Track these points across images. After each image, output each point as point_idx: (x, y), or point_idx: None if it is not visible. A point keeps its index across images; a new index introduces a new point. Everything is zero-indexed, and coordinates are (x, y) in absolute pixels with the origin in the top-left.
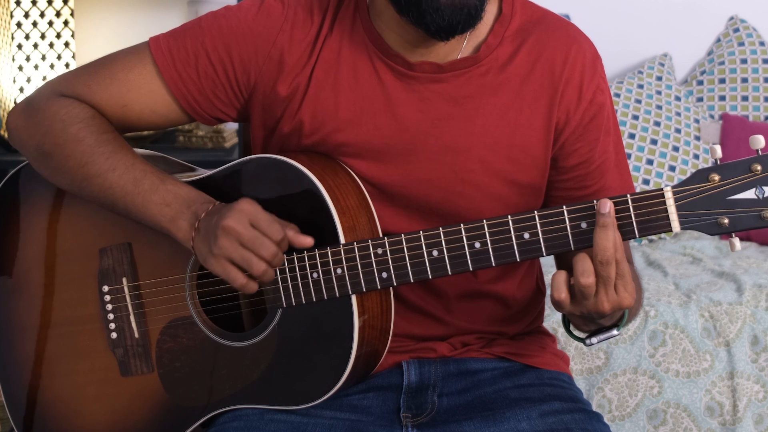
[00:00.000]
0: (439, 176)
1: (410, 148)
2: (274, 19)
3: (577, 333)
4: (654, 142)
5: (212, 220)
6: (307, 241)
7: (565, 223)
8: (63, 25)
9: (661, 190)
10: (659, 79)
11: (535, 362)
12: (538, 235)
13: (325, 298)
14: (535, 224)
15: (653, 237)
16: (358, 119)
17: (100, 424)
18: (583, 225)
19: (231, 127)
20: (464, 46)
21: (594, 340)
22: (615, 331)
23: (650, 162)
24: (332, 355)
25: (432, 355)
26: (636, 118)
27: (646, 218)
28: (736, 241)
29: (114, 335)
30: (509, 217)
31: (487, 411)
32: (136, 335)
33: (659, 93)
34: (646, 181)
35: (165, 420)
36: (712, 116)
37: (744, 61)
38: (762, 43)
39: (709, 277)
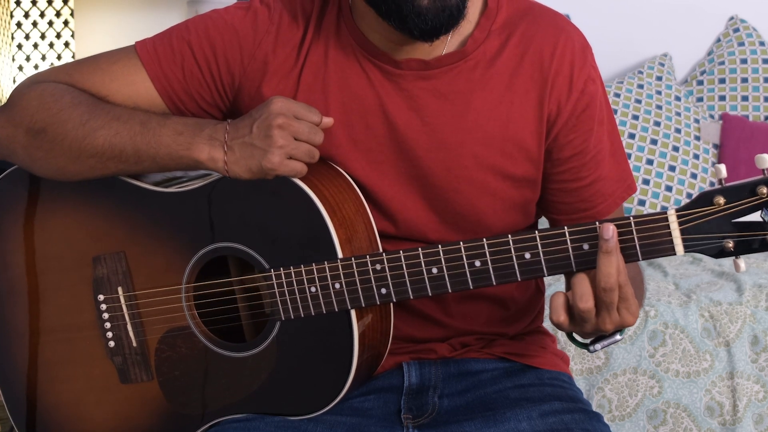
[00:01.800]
0: (432, 173)
1: (402, 146)
2: (260, 22)
3: (579, 339)
4: (654, 142)
5: (249, 129)
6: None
7: (567, 244)
8: (63, 25)
9: (665, 213)
10: (659, 79)
11: (535, 362)
12: (540, 256)
13: (324, 312)
14: (536, 244)
15: None
16: (349, 120)
17: (101, 429)
18: (585, 246)
19: None
20: (449, 41)
21: (597, 346)
22: (618, 336)
23: (650, 162)
24: (333, 364)
25: (432, 356)
26: (636, 118)
27: (649, 242)
28: (742, 262)
29: (112, 343)
30: (510, 236)
31: (487, 411)
32: (134, 344)
33: (659, 93)
34: (646, 181)
35: (166, 426)
36: (712, 116)
37: (744, 61)
38: (762, 43)
39: (709, 277)
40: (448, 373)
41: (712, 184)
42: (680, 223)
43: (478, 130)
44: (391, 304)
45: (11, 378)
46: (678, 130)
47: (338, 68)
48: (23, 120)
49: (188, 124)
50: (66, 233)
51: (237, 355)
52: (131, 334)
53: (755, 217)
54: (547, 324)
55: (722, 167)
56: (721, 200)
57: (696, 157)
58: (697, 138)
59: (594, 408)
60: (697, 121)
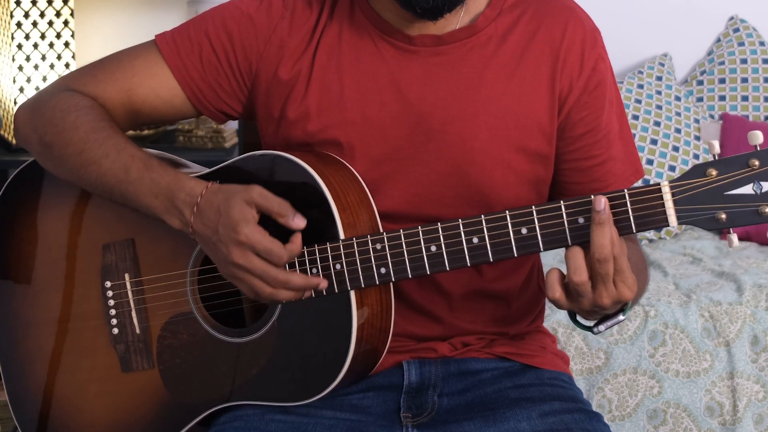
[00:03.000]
0: (448, 146)
1: (417, 121)
2: (274, 10)
3: (583, 322)
4: (654, 142)
5: (213, 227)
6: (300, 223)
7: (563, 218)
8: (63, 25)
9: (659, 184)
10: (659, 79)
11: (535, 362)
12: (536, 231)
13: (324, 294)
14: (533, 219)
15: (653, 237)
16: (364, 97)
17: (101, 420)
18: (581, 220)
19: (231, 126)
20: (462, 16)
21: (602, 327)
22: (621, 316)
23: (650, 162)
24: (330, 352)
25: (432, 355)
26: (636, 118)
27: (643, 213)
28: (734, 237)
29: (116, 331)
30: (507, 212)
31: (487, 411)
32: (138, 331)
33: (659, 93)
34: (646, 181)
35: (165, 416)
36: (712, 116)
37: (744, 61)
38: (762, 43)
39: (709, 277)
40: (448, 372)
41: None
42: (673, 194)
43: (491, 104)
44: (392, 299)
45: (16, 371)
46: (678, 130)
47: (352, 47)
48: (38, 129)
49: (161, 185)
50: (79, 223)
51: (237, 340)
52: (135, 320)
53: (747, 189)
54: (547, 324)
55: (715, 143)
56: (714, 172)
57: (696, 157)
58: (697, 138)
59: (594, 408)
60: (697, 121)
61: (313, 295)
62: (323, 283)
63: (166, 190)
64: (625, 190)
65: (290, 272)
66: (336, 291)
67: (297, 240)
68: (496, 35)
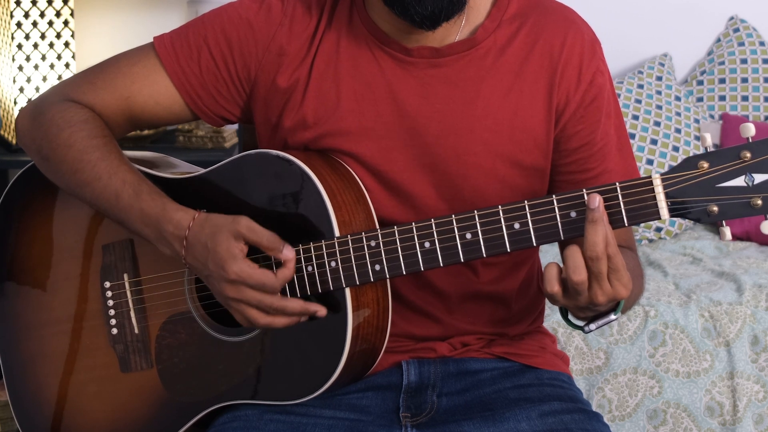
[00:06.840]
0: (442, 160)
1: (412, 133)
2: (274, 15)
3: (574, 321)
4: (654, 142)
5: (203, 261)
6: (321, 311)
7: (555, 212)
8: (63, 25)
9: (650, 177)
10: (659, 79)
11: (534, 362)
12: (528, 225)
13: (320, 291)
14: (525, 214)
15: (653, 237)
16: (360, 107)
17: (100, 421)
18: (573, 214)
19: (231, 127)
20: (461, 29)
21: (592, 326)
22: (612, 316)
23: (650, 162)
24: (326, 350)
25: (432, 355)
26: (636, 118)
27: (634, 206)
28: (727, 230)
29: (114, 331)
30: (500, 207)
31: (486, 411)
32: (136, 331)
33: (659, 93)
34: None
35: (164, 416)
36: (712, 116)
37: (744, 61)
38: (762, 43)
39: (709, 277)
40: (447, 372)
41: None
42: (665, 187)
43: (487, 117)
44: (390, 299)
45: (17, 372)
46: (678, 130)
47: (350, 56)
48: (35, 140)
49: (150, 216)
50: (80, 224)
51: (234, 339)
52: (134, 320)
53: (739, 181)
54: (547, 324)
55: (707, 136)
56: (705, 164)
57: None
58: (697, 138)
59: (594, 408)
60: (697, 121)
61: (309, 292)
62: (321, 311)
63: (155, 221)
64: (617, 184)
65: (286, 299)
66: (331, 288)
67: (290, 266)
68: (494, 48)
